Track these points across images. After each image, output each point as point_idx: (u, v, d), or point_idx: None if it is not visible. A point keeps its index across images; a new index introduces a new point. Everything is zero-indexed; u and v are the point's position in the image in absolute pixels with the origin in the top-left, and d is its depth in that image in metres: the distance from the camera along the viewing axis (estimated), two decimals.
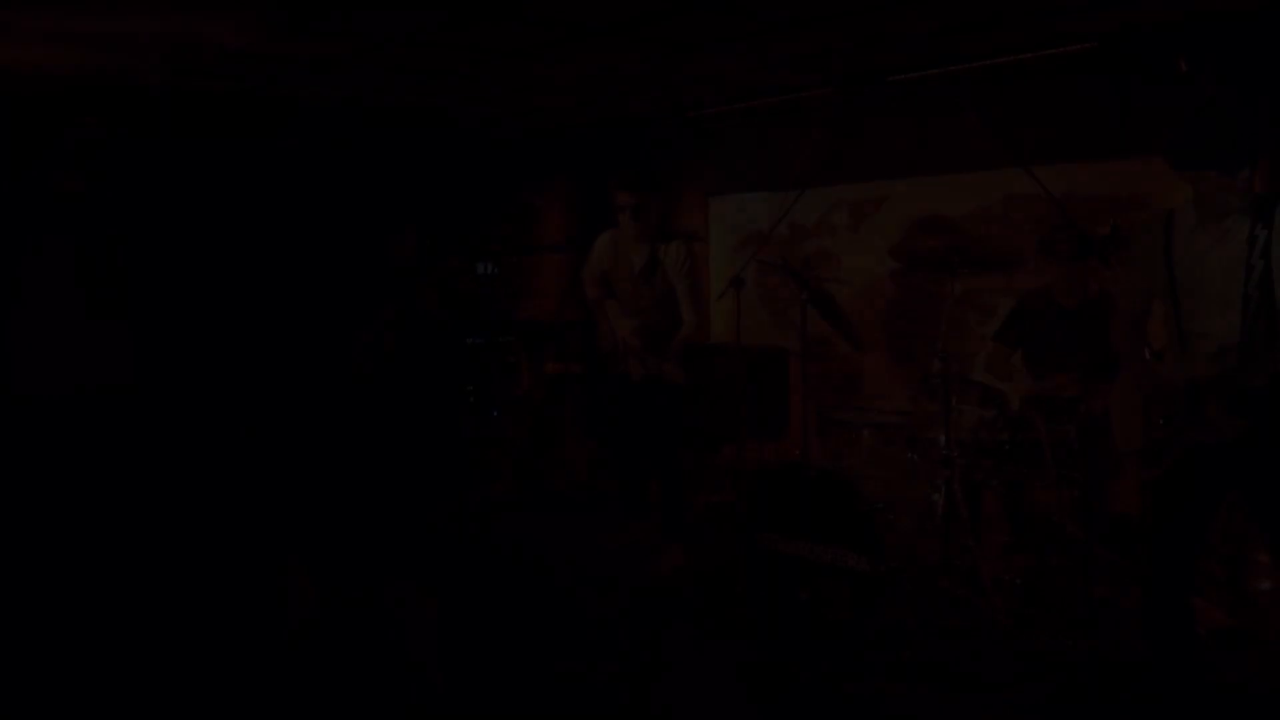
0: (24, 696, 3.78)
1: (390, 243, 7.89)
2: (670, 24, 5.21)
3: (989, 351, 5.55)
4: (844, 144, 6.88)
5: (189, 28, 5.11)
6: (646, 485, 5.95)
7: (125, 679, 3.88)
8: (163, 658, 4.05)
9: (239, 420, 7.39)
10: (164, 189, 7.74)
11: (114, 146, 7.48)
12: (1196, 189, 3.22)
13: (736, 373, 5.45)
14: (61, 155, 7.21)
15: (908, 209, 6.71)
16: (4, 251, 6.87)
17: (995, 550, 4.83)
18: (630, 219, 5.35)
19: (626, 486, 5.96)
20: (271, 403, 7.54)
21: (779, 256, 5.70)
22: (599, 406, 6.82)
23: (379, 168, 8.65)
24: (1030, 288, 5.33)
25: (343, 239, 8.20)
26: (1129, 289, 3.58)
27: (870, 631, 4.24)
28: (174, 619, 4.37)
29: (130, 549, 5.47)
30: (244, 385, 7.60)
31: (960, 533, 4.45)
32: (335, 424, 7.14)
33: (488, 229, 8.57)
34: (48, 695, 3.81)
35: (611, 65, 6.16)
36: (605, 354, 5.73)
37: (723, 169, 7.82)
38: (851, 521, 4.33)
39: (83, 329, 7.22)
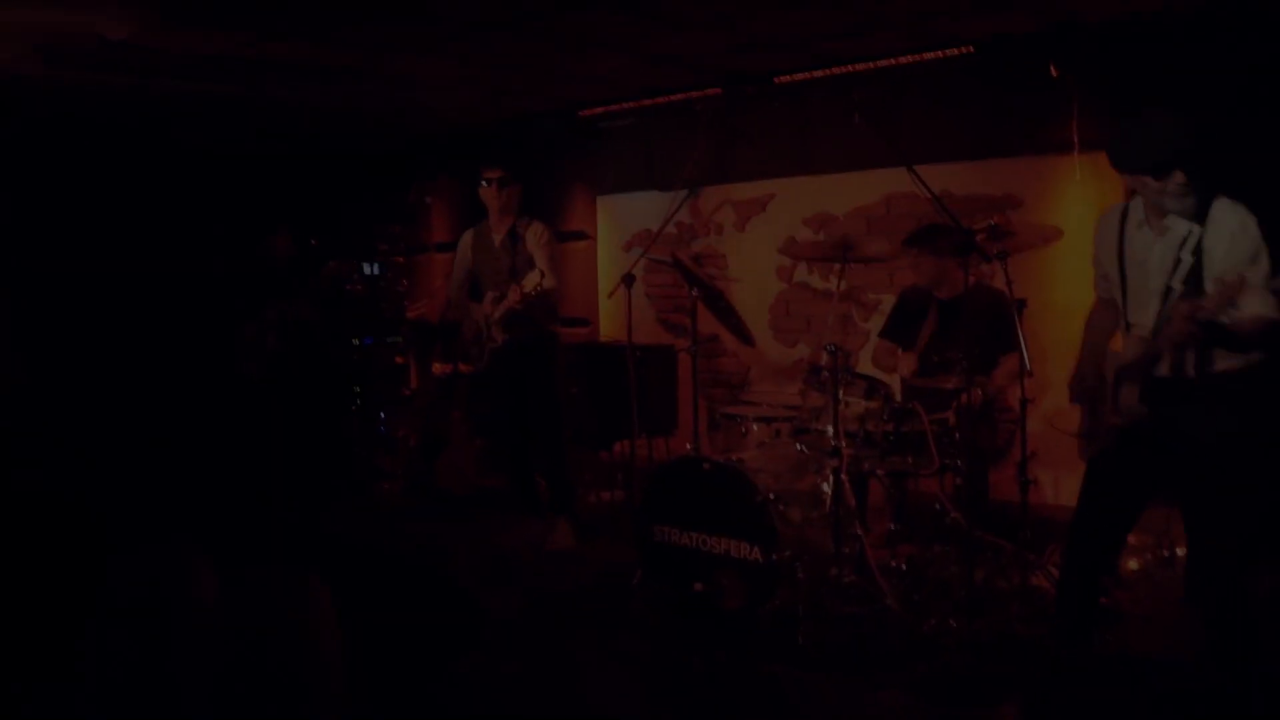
0: None
1: (269, 244, 7.75)
2: (557, 22, 5.23)
3: (874, 345, 5.71)
4: (731, 144, 6.99)
5: (68, 16, 4.95)
6: (535, 482, 5.98)
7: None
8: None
9: (126, 421, 7.19)
10: (42, 187, 7.50)
11: None
12: (1138, 190, 3.42)
13: (627, 369, 5.49)
14: None
15: (794, 207, 6.84)
16: None
17: (882, 538, 4.96)
18: (495, 191, 5.52)
19: (515, 482, 5.98)
20: (158, 403, 7.35)
21: (669, 254, 5.77)
22: (482, 401, 6.86)
23: (261, 167, 8.49)
24: (910, 283, 5.49)
25: (225, 240, 8.04)
26: (1097, 278, 3.80)
27: (764, 619, 4.33)
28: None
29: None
30: (129, 387, 7.40)
31: (848, 521, 4.56)
32: (221, 424, 6.99)
33: (376, 229, 8.47)
34: None
35: (500, 64, 6.16)
36: (469, 344, 5.82)
37: (612, 168, 7.86)
38: (745, 513, 4.41)
39: None
